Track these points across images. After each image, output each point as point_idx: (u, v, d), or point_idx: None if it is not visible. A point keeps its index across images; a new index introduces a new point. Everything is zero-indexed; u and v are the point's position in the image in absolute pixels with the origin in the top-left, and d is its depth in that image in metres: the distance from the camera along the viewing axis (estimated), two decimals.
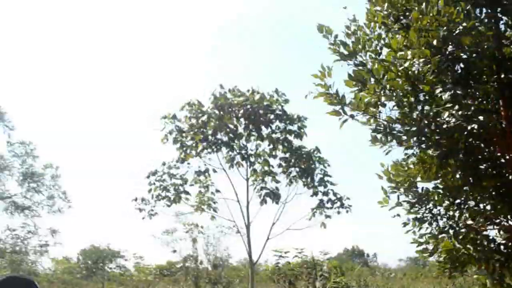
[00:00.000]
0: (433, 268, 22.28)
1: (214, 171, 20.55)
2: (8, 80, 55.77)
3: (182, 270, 35.14)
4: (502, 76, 8.44)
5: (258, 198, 20.23)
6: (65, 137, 64.09)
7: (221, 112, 19.83)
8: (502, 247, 9.22)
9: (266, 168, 20.47)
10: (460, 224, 9.36)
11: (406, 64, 8.25)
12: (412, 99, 8.48)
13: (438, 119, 8.27)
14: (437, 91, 8.24)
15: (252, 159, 20.43)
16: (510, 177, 8.85)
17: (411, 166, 9.31)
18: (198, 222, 26.87)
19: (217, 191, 20.74)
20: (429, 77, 8.21)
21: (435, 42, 8.03)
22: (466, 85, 8.33)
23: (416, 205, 9.50)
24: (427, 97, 8.42)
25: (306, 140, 20.56)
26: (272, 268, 28.92)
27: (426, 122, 8.31)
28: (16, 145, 25.60)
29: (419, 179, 9.33)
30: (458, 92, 8.19)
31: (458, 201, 9.35)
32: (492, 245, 9.24)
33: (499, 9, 8.60)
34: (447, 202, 9.41)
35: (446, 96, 8.22)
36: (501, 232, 9.28)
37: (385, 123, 8.80)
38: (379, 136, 8.88)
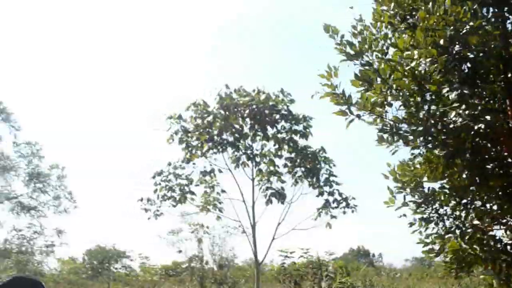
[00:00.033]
0: (439, 269, 22.26)
1: (220, 171, 20.56)
2: (14, 81, 55.93)
3: (187, 270, 35.16)
4: (509, 75, 8.42)
5: (263, 198, 20.23)
6: (70, 138, 64.19)
7: (227, 112, 19.83)
8: (508, 247, 9.19)
9: (271, 168, 20.46)
10: (467, 224, 9.34)
11: (413, 64, 8.23)
12: (419, 99, 8.45)
13: (444, 118, 8.25)
14: (444, 90, 8.22)
15: (257, 159, 20.43)
16: None
17: (418, 166, 9.29)
18: (204, 222, 26.92)
19: (223, 191, 20.75)
20: (435, 76, 8.19)
21: (442, 42, 8.01)
22: (473, 85, 8.31)
23: (423, 205, 9.48)
24: (433, 97, 8.40)
25: (311, 140, 20.56)
26: (278, 268, 28.91)
27: (432, 121, 8.29)
28: (22, 145, 25.68)
29: (425, 179, 9.31)
30: (465, 91, 8.16)
31: (464, 201, 9.32)
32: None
33: (506, 8, 8.58)
34: (453, 202, 9.39)
35: (453, 95, 8.19)
36: (508, 232, 9.24)
37: (392, 123, 8.78)
38: (385, 136, 8.87)
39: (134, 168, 56.18)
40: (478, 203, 9.33)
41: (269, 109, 19.86)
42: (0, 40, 56.47)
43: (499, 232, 9.32)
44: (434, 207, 9.49)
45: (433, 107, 8.44)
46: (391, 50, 8.86)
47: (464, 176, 8.87)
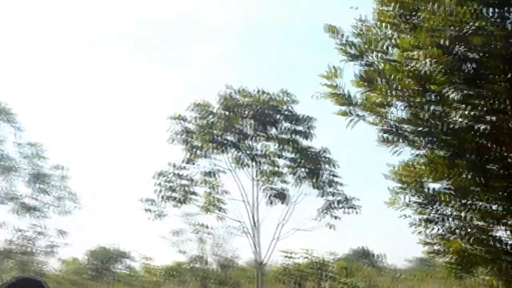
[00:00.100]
0: (441, 269, 22.20)
1: (222, 171, 20.54)
2: (17, 81, 55.95)
3: (190, 271, 35.13)
4: None
5: (265, 198, 20.20)
6: (73, 138, 64.11)
7: (229, 113, 19.80)
8: (511, 247, 9.18)
9: (273, 168, 20.42)
10: (470, 225, 9.33)
11: (416, 64, 8.22)
12: (422, 99, 8.45)
13: (448, 119, 8.24)
14: (447, 91, 8.20)
15: (259, 160, 20.38)
16: None
17: (420, 166, 9.28)
18: (206, 223, 26.80)
19: (225, 191, 20.70)
20: (438, 77, 8.18)
21: (445, 42, 7.99)
22: (476, 85, 8.29)
23: (425, 206, 9.48)
24: (436, 97, 8.40)
25: (315, 141, 20.52)
26: (280, 269, 28.88)
27: (435, 122, 8.29)
28: (25, 146, 25.63)
29: (428, 179, 9.30)
30: (468, 92, 8.16)
31: (467, 201, 9.31)
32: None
33: (508, 8, 8.55)
34: (456, 203, 9.38)
35: (455, 96, 8.19)
36: (510, 233, 9.23)
37: (394, 123, 8.77)
38: (388, 136, 8.86)
39: (139, 169, 56.10)
40: (481, 204, 9.32)
41: (271, 109, 19.83)
42: (2, 40, 56.48)
43: (501, 232, 9.32)
44: (436, 207, 9.48)
45: (435, 107, 8.44)
46: (394, 51, 8.86)
47: (467, 176, 8.87)
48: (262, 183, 20.37)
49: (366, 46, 8.79)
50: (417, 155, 9.32)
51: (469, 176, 8.88)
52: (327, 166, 20.45)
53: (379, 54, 8.83)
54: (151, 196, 20.67)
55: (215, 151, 20.20)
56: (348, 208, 20.41)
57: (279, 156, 20.46)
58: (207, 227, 26.20)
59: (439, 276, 28.95)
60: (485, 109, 8.27)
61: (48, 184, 25.82)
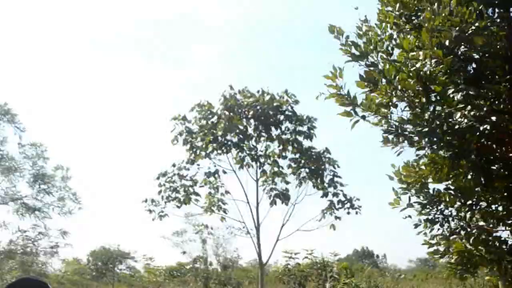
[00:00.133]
0: (443, 270, 22.20)
1: (224, 172, 20.54)
2: (19, 82, 56.05)
3: (192, 271, 35.17)
4: None
5: (268, 199, 20.21)
6: (75, 139, 64.29)
7: (231, 113, 19.82)
8: None
9: (275, 169, 20.44)
10: (472, 225, 9.33)
11: (418, 65, 8.22)
12: (424, 100, 8.44)
13: (450, 119, 8.23)
14: (449, 91, 8.20)
15: (262, 160, 20.40)
16: None
17: (423, 167, 9.29)
18: (208, 223, 26.86)
19: (227, 192, 20.71)
20: (441, 77, 8.17)
21: (447, 43, 8.00)
22: (478, 86, 8.29)
23: (428, 206, 9.48)
24: (438, 98, 8.38)
25: (315, 141, 20.54)
26: (282, 269, 28.89)
27: (437, 122, 8.27)
28: (27, 147, 25.67)
29: (430, 180, 9.31)
30: (470, 92, 8.15)
31: (469, 202, 9.31)
32: (504, 247, 9.20)
33: (511, 9, 8.57)
34: (458, 203, 9.38)
35: (458, 96, 8.18)
36: None
37: (397, 124, 8.77)
38: (390, 137, 8.85)
39: (141, 169, 56.26)
40: (483, 204, 9.33)
41: (273, 110, 19.84)
42: (5, 42, 56.57)
43: (504, 233, 9.33)
44: (439, 208, 9.49)
45: (438, 108, 8.42)
46: (396, 51, 8.86)
47: (469, 177, 8.86)
48: (264, 184, 20.39)
49: (371, 47, 8.77)
50: (418, 156, 9.32)
51: (471, 177, 8.88)
52: (328, 166, 20.47)
53: (381, 54, 8.82)
54: (153, 196, 20.71)
55: (217, 151, 20.21)
56: (349, 208, 20.43)
57: (281, 157, 20.48)
58: (207, 227, 26.24)
59: (440, 276, 29.02)
60: (486, 109, 8.25)
61: (50, 184, 25.88)
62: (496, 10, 8.57)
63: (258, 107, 19.72)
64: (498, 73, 8.51)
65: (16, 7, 58.75)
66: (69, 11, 65.88)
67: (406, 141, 8.89)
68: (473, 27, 7.90)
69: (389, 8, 8.96)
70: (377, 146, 8.99)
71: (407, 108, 8.72)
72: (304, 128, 20.27)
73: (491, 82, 8.45)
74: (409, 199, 9.51)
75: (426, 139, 8.71)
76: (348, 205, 20.37)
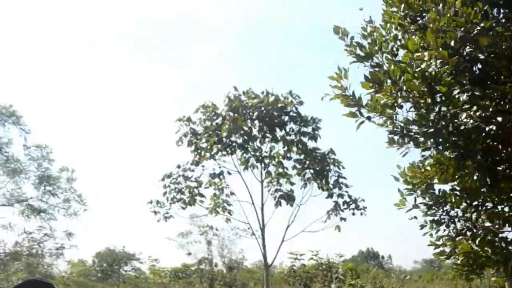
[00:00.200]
0: (448, 271, 22.16)
1: (229, 173, 20.56)
2: (24, 84, 56.15)
3: (197, 273, 35.19)
4: None
5: (272, 200, 20.22)
6: (80, 140, 64.40)
7: (236, 115, 19.82)
8: None
9: (280, 170, 20.44)
10: (478, 226, 9.31)
11: (423, 65, 8.20)
12: (429, 100, 8.41)
13: (455, 120, 8.21)
14: (455, 92, 8.18)
15: (266, 161, 20.40)
16: None
17: (428, 167, 9.27)
18: (213, 225, 26.88)
19: (232, 193, 20.73)
20: (446, 78, 8.15)
21: (452, 43, 7.97)
22: (484, 86, 8.26)
23: (433, 207, 9.46)
24: (444, 98, 8.36)
25: (320, 142, 20.53)
26: (287, 271, 28.88)
27: (443, 123, 8.25)
28: (32, 148, 25.70)
29: (436, 180, 9.29)
30: (476, 93, 8.13)
31: (475, 203, 9.29)
32: (510, 247, 9.17)
33: None
34: (464, 204, 9.36)
35: (463, 97, 8.16)
36: None
37: (402, 124, 8.75)
38: (396, 137, 8.83)
39: (147, 171, 56.32)
40: (489, 205, 9.30)
41: (278, 111, 19.85)
42: (6, 42, 56.69)
43: (510, 234, 9.30)
44: (445, 209, 9.47)
45: (443, 108, 8.40)
46: (401, 52, 8.85)
47: (475, 177, 8.83)
48: (269, 185, 20.38)
49: (376, 48, 8.75)
50: (424, 156, 9.29)
51: (477, 177, 8.85)
52: (333, 167, 20.46)
53: (386, 55, 8.80)
54: (158, 197, 20.73)
55: (222, 152, 20.22)
56: (354, 209, 20.40)
57: (286, 158, 20.48)
58: (212, 228, 26.24)
59: (446, 278, 28.96)
60: (492, 110, 8.22)
61: (55, 186, 25.91)
62: (502, 10, 8.54)
63: (263, 108, 19.72)
64: (504, 74, 8.48)
65: (16, 8, 58.87)
66: (69, 11, 65.95)
67: (411, 142, 8.87)
68: (479, 28, 7.88)
69: (394, 9, 8.94)
70: (382, 147, 8.98)
71: (412, 109, 8.70)
72: (309, 129, 20.27)
73: (497, 83, 8.42)
74: (415, 200, 9.49)
75: (432, 140, 8.69)
76: (353, 206, 20.36)
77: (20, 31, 60.57)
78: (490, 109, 8.20)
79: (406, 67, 8.36)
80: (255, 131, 20.12)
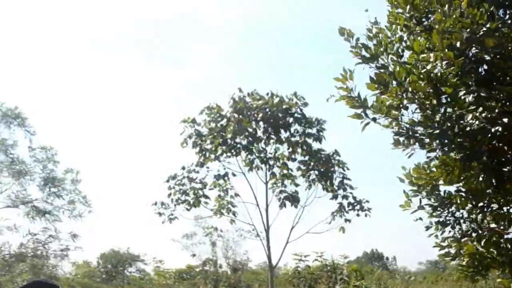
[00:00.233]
0: (453, 272, 22.12)
1: (233, 174, 20.61)
2: (29, 85, 56.27)
3: (201, 274, 35.22)
4: None
5: (277, 201, 20.26)
6: (85, 142, 64.52)
7: (240, 116, 19.87)
8: None
9: (285, 171, 20.48)
10: (483, 228, 9.30)
11: (429, 67, 8.19)
12: (435, 102, 8.41)
13: (461, 121, 8.20)
14: (460, 93, 8.17)
15: (271, 163, 20.45)
16: None
17: (434, 169, 9.25)
18: (218, 226, 26.93)
19: (236, 194, 20.78)
20: (452, 79, 8.14)
21: (458, 44, 7.96)
22: (490, 87, 8.24)
23: (439, 209, 9.44)
24: (450, 100, 8.35)
25: (325, 143, 20.55)
26: (292, 272, 28.91)
27: (449, 124, 8.24)
28: (37, 150, 25.81)
29: (441, 182, 9.26)
30: (482, 94, 8.12)
31: (481, 204, 9.27)
32: None
33: None
34: (470, 205, 9.34)
35: (469, 98, 8.15)
36: None
37: (408, 126, 8.74)
38: (401, 139, 8.83)
39: (151, 172, 56.42)
40: (495, 206, 9.28)
41: (282, 112, 19.88)
42: (6, 42, 56.85)
43: None
44: (450, 210, 9.45)
45: (449, 109, 8.39)
46: (407, 53, 8.84)
47: (480, 179, 8.81)
48: (273, 186, 20.41)
49: (381, 49, 8.75)
50: (429, 158, 9.28)
51: (482, 179, 8.83)
52: (337, 168, 20.48)
53: (391, 56, 8.80)
54: (163, 199, 20.78)
55: (226, 154, 20.26)
56: (359, 210, 20.42)
57: (291, 159, 20.51)
58: (217, 229, 26.29)
59: (451, 279, 28.92)
60: (498, 111, 8.21)
61: (60, 187, 26.00)
62: (508, 11, 8.52)
63: (267, 110, 19.76)
64: (510, 75, 8.46)
65: (16, 8, 58.99)
66: (69, 11, 66.01)
67: (417, 143, 8.86)
68: (484, 29, 7.86)
69: (399, 10, 8.93)
70: (387, 148, 8.97)
71: (418, 110, 8.69)
72: (313, 131, 20.30)
73: (503, 84, 8.40)
74: (420, 202, 9.47)
75: (437, 141, 8.67)
76: (357, 207, 20.38)
77: (20, 31, 60.69)
78: (496, 110, 8.18)
79: (412, 69, 8.35)
80: (259, 133, 20.17)
